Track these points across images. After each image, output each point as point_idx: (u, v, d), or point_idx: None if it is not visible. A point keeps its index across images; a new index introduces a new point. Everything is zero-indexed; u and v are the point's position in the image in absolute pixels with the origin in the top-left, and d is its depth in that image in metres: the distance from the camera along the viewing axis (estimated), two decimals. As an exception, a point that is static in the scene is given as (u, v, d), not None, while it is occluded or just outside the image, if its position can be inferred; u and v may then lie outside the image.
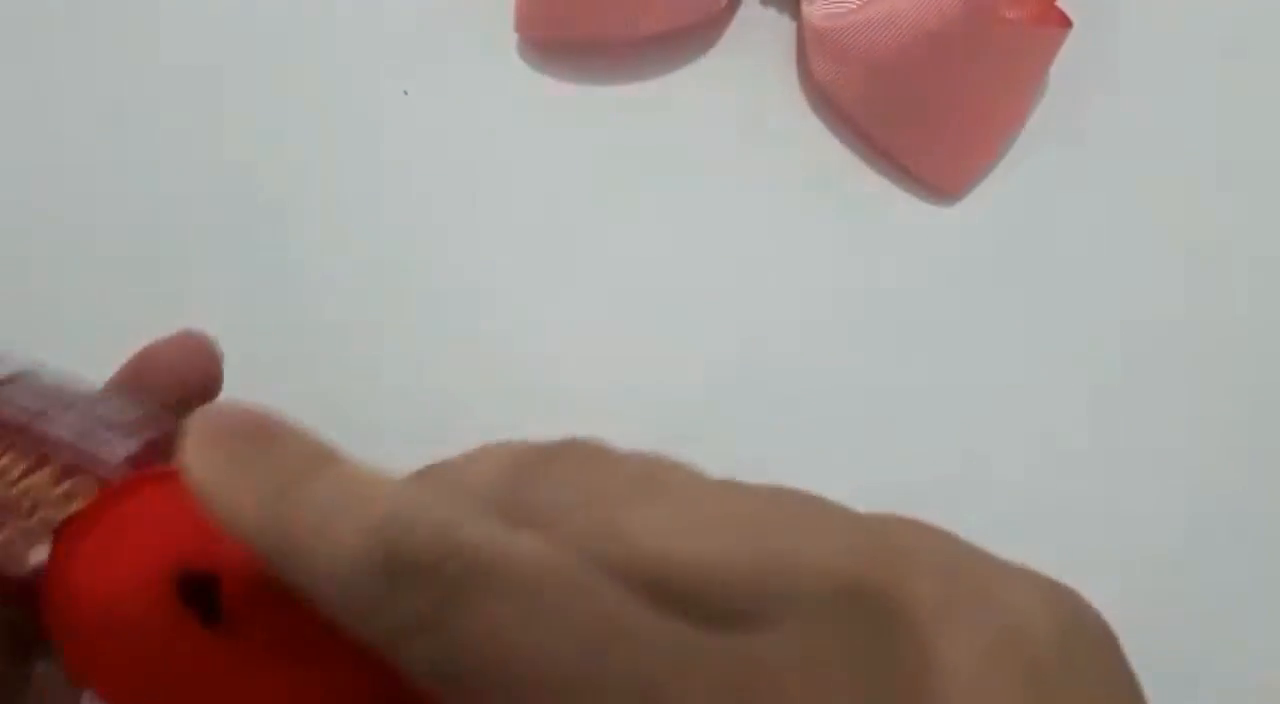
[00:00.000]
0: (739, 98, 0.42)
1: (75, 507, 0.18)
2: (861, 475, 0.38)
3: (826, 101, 0.41)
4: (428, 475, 0.19)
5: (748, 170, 0.41)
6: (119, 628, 0.17)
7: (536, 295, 0.40)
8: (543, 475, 0.18)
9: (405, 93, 0.41)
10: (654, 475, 0.18)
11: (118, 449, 0.19)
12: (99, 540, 0.18)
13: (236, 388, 0.40)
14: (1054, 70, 0.41)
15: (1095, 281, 0.41)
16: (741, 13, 0.42)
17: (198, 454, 0.17)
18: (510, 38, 0.42)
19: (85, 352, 0.40)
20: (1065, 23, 0.39)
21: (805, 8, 0.40)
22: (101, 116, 0.41)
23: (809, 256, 0.41)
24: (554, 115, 0.41)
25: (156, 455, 0.19)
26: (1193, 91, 0.42)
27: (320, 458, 0.17)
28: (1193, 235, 0.41)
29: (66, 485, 0.19)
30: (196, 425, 0.17)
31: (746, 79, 0.42)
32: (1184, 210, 0.41)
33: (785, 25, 0.42)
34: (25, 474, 0.19)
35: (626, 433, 0.41)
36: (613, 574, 0.16)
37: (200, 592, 0.18)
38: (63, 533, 0.18)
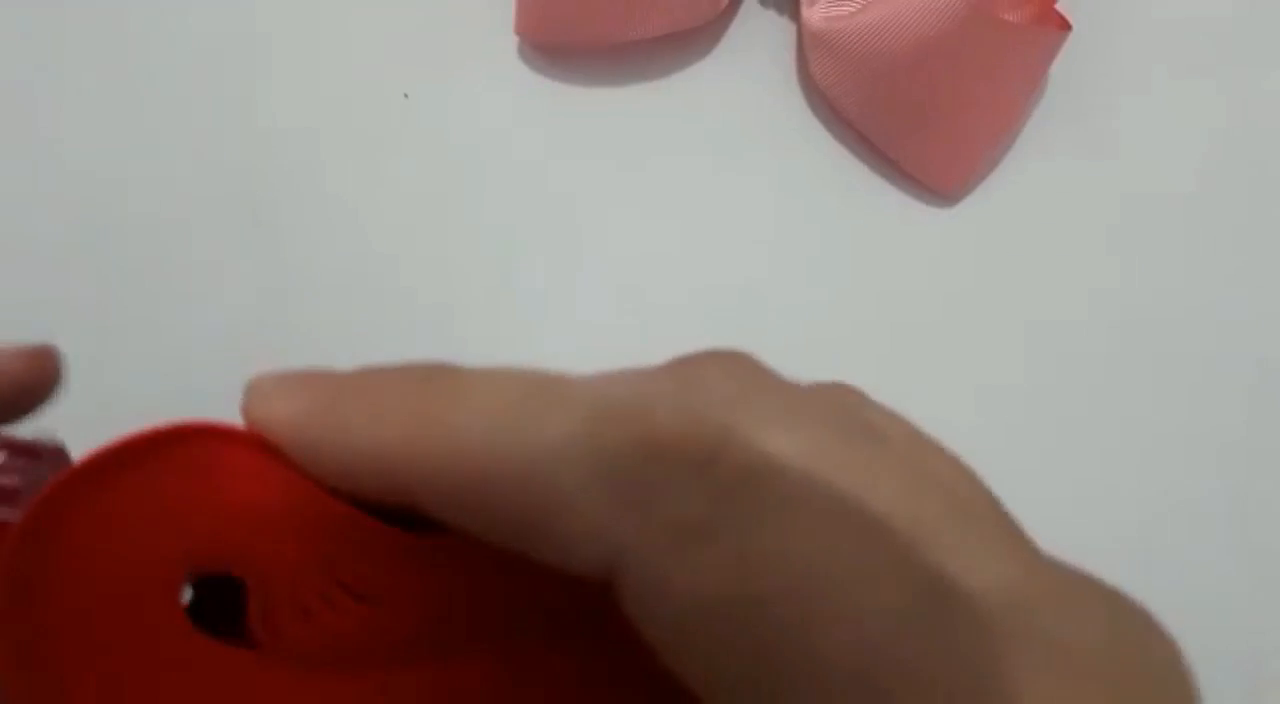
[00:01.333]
0: (738, 100, 0.42)
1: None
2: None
3: (826, 104, 0.41)
4: None
5: (747, 172, 0.41)
6: (109, 643, 0.13)
7: (538, 295, 0.40)
8: (701, 395, 0.14)
9: (406, 96, 0.41)
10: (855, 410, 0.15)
11: None
12: (85, 524, 0.13)
13: (237, 391, 0.40)
14: (1054, 72, 0.41)
15: (1094, 283, 0.41)
16: (741, 15, 0.42)
17: (278, 405, 0.14)
18: (510, 39, 0.42)
19: (85, 351, 0.40)
20: (1065, 24, 0.39)
21: (805, 10, 0.40)
22: (101, 118, 0.41)
23: (808, 258, 0.41)
24: (554, 117, 0.41)
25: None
26: (1193, 93, 0.42)
27: (430, 364, 0.14)
28: (1192, 235, 0.41)
29: None
30: (260, 386, 0.14)
31: (746, 81, 0.42)
32: (1184, 211, 0.41)
33: (785, 27, 0.42)
34: None
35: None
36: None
37: (213, 596, 0.14)
38: (38, 504, 0.13)
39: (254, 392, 0.15)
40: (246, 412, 0.15)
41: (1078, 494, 0.39)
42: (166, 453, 0.14)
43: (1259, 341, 0.41)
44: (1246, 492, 0.39)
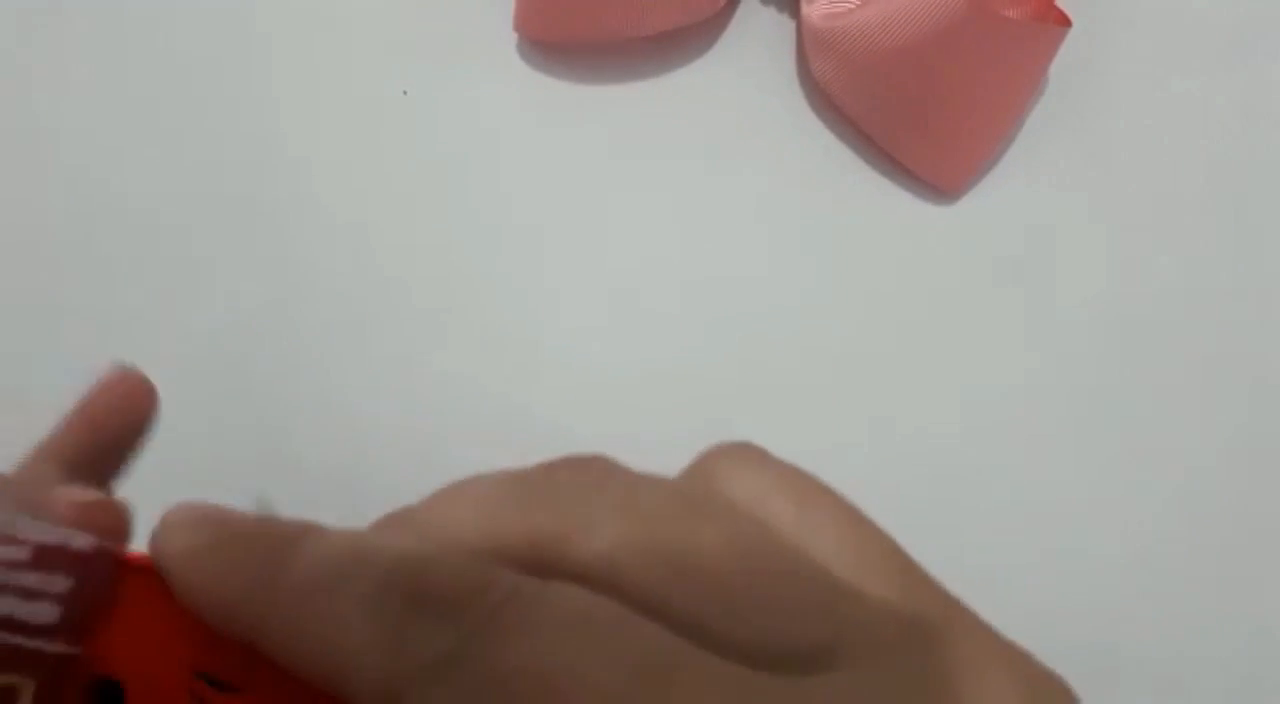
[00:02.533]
0: (739, 97, 0.42)
1: None
2: (860, 473, 0.38)
3: (826, 101, 0.41)
4: (397, 522, 0.18)
5: (747, 169, 0.41)
6: None
7: (537, 294, 0.40)
8: (542, 501, 0.17)
9: (405, 93, 0.41)
10: (691, 498, 0.17)
11: (38, 615, 0.16)
12: None
13: (239, 389, 0.40)
14: (1054, 70, 0.41)
15: (1094, 281, 0.41)
16: (741, 12, 0.42)
17: (173, 540, 0.16)
18: (510, 37, 0.42)
19: (85, 351, 0.40)
20: (1065, 22, 0.39)
21: (805, 7, 0.40)
22: (101, 116, 0.41)
23: (808, 255, 0.41)
24: (554, 115, 0.41)
25: (85, 604, 0.17)
26: (1192, 91, 0.42)
27: (303, 527, 0.16)
28: (1192, 235, 0.41)
29: None
30: (169, 519, 0.17)
31: (746, 78, 0.42)
32: (1183, 210, 0.41)
33: (785, 24, 0.42)
34: None
35: (625, 427, 0.41)
36: (655, 612, 0.15)
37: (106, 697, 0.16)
38: None
39: (162, 525, 0.17)
40: (150, 541, 0.17)
41: (1076, 492, 0.39)
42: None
43: (1259, 341, 0.41)
44: (1246, 492, 0.39)
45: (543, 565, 0.16)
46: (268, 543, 0.16)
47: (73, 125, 0.41)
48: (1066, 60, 0.40)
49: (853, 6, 0.39)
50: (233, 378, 0.39)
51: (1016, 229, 0.41)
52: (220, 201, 0.40)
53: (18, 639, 0.15)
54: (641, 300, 0.40)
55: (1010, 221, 0.41)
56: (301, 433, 0.39)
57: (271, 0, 0.42)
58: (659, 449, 0.41)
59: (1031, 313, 0.41)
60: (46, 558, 0.16)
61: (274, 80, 0.41)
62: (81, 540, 0.17)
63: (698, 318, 0.40)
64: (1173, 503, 0.39)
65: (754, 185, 0.41)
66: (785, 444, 0.40)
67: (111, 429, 0.24)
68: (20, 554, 0.16)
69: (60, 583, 0.16)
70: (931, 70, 0.39)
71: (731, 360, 0.40)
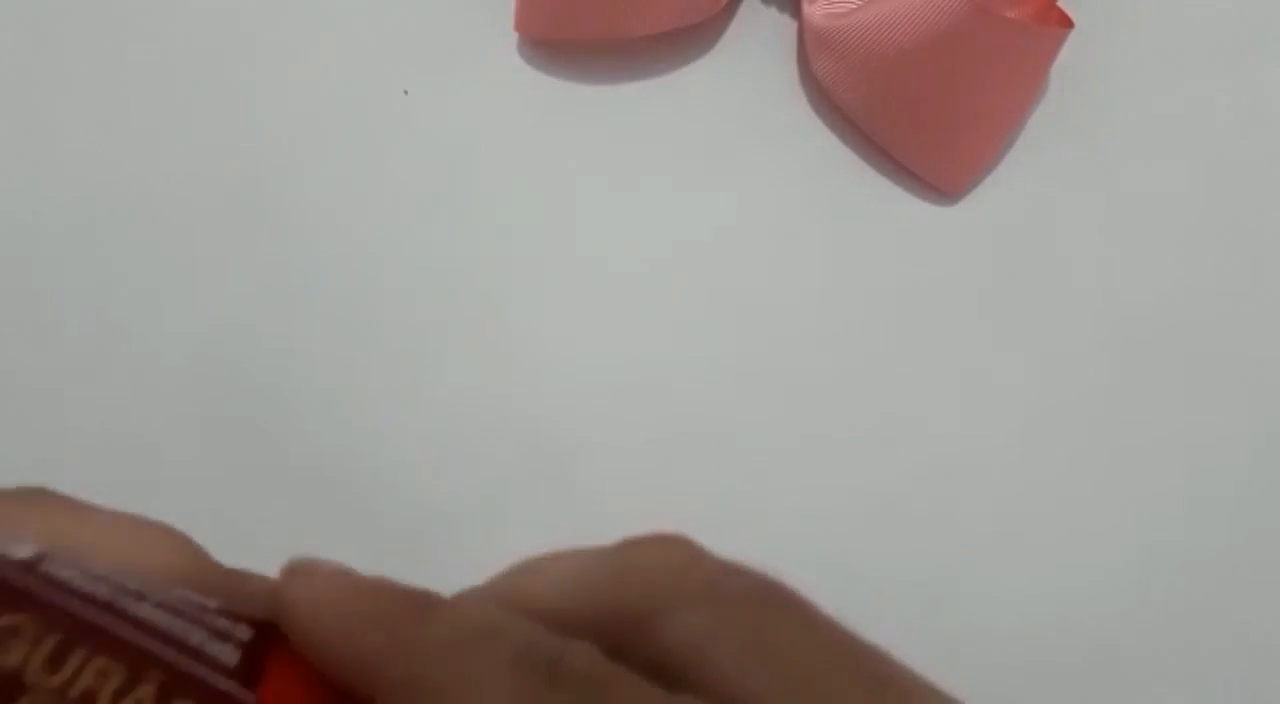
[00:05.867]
0: (739, 97, 0.42)
1: None
2: (859, 475, 0.38)
3: (827, 101, 0.41)
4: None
5: (747, 170, 0.41)
6: None
7: (536, 294, 0.40)
8: (631, 578, 0.18)
9: (405, 93, 0.41)
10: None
11: (223, 655, 0.17)
12: None
13: (238, 389, 0.40)
14: (1054, 70, 0.41)
15: (1095, 282, 0.41)
16: (742, 12, 0.42)
17: (306, 590, 0.17)
18: (510, 37, 0.42)
19: (84, 351, 0.40)
20: (1066, 22, 0.39)
21: (806, 7, 0.40)
22: (100, 116, 0.41)
23: (808, 256, 0.41)
24: (554, 115, 0.41)
25: (258, 656, 0.18)
26: (1192, 92, 0.42)
27: (430, 593, 0.17)
28: (1192, 235, 0.41)
29: None
30: (296, 568, 0.17)
31: (747, 78, 0.42)
32: (1184, 210, 0.41)
33: (786, 24, 0.42)
34: (123, 693, 0.16)
35: (625, 430, 0.41)
36: None
37: None
38: None
39: (290, 574, 0.18)
40: (281, 591, 0.17)
41: (1076, 492, 0.39)
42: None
43: (1259, 341, 0.41)
44: (1247, 492, 0.40)
45: (625, 641, 0.17)
46: (403, 601, 0.17)
47: (71, 125, 0.41)
48: (1067, 61, 0.40)
49: (854, 6, 0.39)
50: (231, 380, 0.39)
51: (1016, 229, 0.41)
52: (219, 202, 0.40)
53: (204, 671, 0.16)
54: (641, 299, 0.40)
55: (1010, 222, 0.41)
56: (299, 437, 0.39)
57: (271, 0, 0.42)
58: (661, 448, 0.41)
59: (1031, 313, 0.41)
60: (232, 609, 0.17)
61: (274, 80, 0.41)
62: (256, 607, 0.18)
63: (698, 317, 0.40)
64: (1173, 503, 0.39)
65: (754, 185, 0.41)
66: (785, 445, 0.41)
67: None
68: (213, 602, 0.17)
69: (244, 632, 0.17)
70: (932, 71, 0.39)
71: (731, 360, 0.40)
